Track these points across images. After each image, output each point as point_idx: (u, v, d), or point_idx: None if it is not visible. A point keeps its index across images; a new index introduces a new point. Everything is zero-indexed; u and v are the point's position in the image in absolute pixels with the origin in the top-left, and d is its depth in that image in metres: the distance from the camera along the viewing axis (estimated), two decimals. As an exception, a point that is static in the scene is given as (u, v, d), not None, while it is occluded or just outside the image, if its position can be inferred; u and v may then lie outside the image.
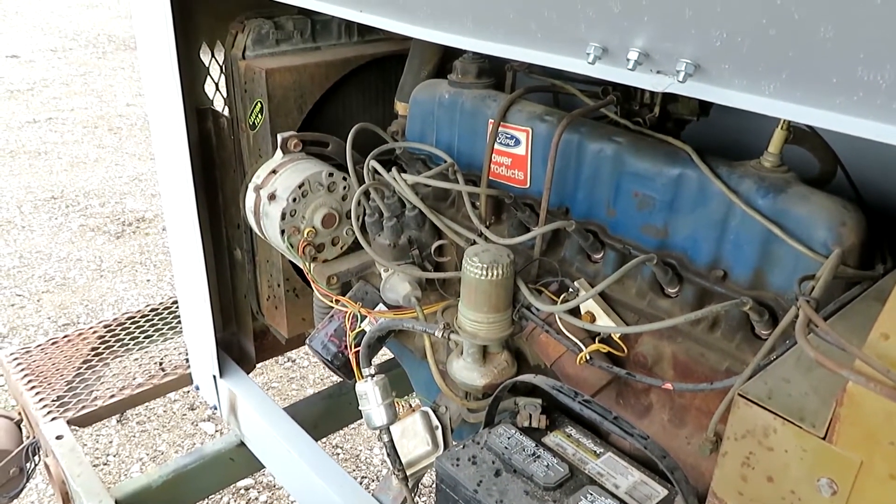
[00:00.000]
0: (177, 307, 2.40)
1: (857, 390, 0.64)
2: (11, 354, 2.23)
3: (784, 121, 1.02)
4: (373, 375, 1.35)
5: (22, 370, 2.16)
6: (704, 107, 1.32)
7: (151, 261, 4.39)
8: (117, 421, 3.14)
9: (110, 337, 2.31)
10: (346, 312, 1.51)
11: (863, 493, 0.65)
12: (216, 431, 3.12)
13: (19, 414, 2.11)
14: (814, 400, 0.71)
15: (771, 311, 1.03)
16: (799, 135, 1.14)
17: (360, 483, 1.74)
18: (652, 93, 1.31)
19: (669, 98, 1.32)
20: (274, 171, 1.58)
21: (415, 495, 1.45)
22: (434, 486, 1.17)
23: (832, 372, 0.64)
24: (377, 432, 1.38)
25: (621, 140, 1.20)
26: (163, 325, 2.38)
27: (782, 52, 0.63)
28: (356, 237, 1.50)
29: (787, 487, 0.71)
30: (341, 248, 1.65)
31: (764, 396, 0.72)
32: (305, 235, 1.56)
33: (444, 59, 1.59)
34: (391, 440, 1.36)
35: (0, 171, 5.52)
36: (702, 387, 1.02)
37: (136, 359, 2.26)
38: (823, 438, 0.67)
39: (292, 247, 1.56)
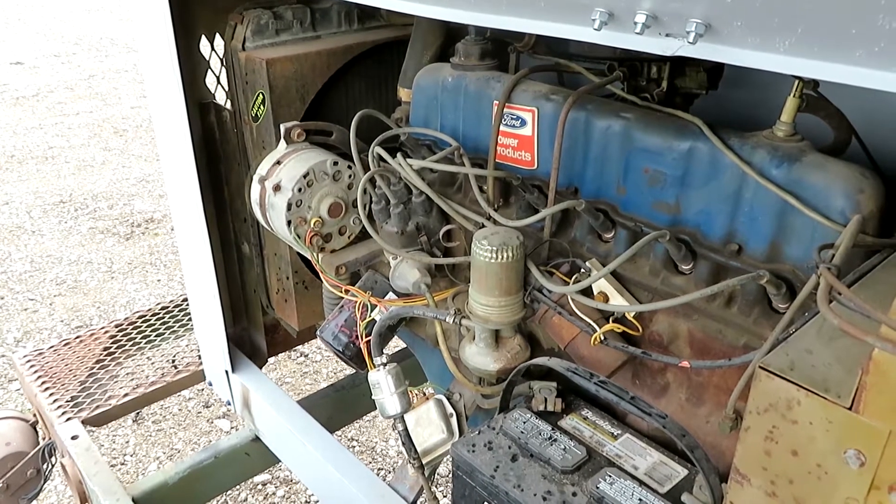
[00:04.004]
0: (187, 305, 2.40)
1: (884, 357, 0.61)
2: (25, 357, 2.23)
3: (797, 88, 0.99)
4: (385, 364, 1.34)
5: (35, 372, 2.16)
6: (713, 80, 1.30)
7: (161, 261, 4.40)
8: (133, 421, 3.15)
9: (122, 337, 2.31)
10: (356, 302, 1.49)
11: (892, 462, 0.63)
12: (232, 428, 3.12)
13: (34, 416, 2.11)
14: (838, 370, 0.69)
15: (788, 284, 1.01)
16: (812, 102, 1.11)
17: (377, 475, 1.73)
18: (659, 67, 1.29)
19: (677, 72, 1.29)
20: (278, 162, 1.57)
21: (431, 484, 1.44)
22: (450, 474, 1.15)
23: (857, 339, 0.62)
24: (391, 422, 1.36)
25: (629, 116, 1.17)
26: (174, 322, 2.38)
27: (797, 3, 0.60)
28: (363, 226, 1.48)
29: (813, 461, 0.69)
30: (349, 238, 1.63)
31: (786, 368, 0.70)
32: (312, 226, 1.55)
33: (447, 43, 1.57)
34: (406, 429, 1.35)
35: (8, 176, 5.54)
36: (720, 363, 1.00)
37: (149, 357, 2.26)
38: (849, 409, 0.65)
39: (299, 238, 1.54)
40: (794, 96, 1.00)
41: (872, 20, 0.56)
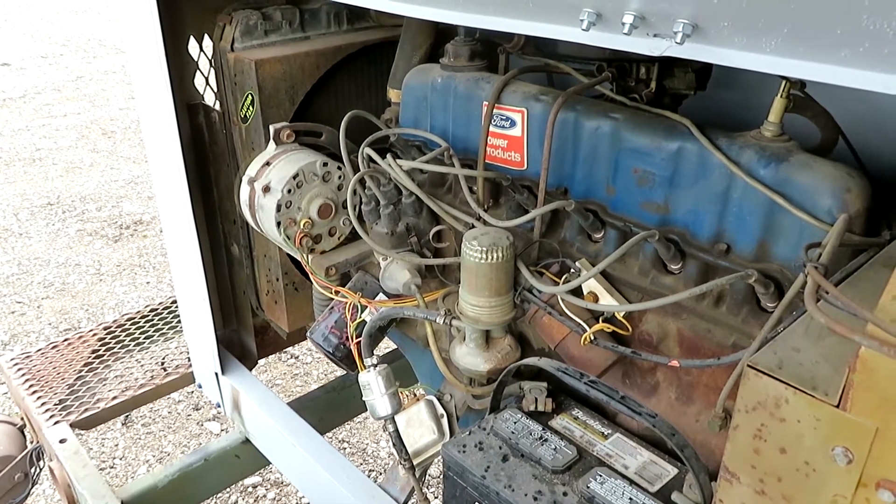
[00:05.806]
0: (176, 306, 2.39)
1: (871, 355, 0.62)
2: (12, 360, 2.21)
3: (784, 88, 1.00)
4: (375, 365, 1.34)
5: (23, 375, 2.14)
6: (701, 80, 1.30)
7: (150, 263, 4.37)
8: (122, 424, 3.13)
9: (110, 339, 2.29)
10: (346, 303, 1.49)
11: (879, 459, 0.64)
12: (222, 431, 3.11)
13: (22, 419, 2.09)
14: (825, 368, 0.70)
15: (776, 283, 1.01)
16: (799, 103, 1.12)
17: (368, 476, 1.73)
18: (648, 67, 1.29)
19: (665, 73, 1.30)
20: (267, 163, 1.56)
21: (422, 485, 1.43)
22: (441, 475, 1.15)
23: (844, 337, 0.62)
24: (382, 423, 1.36)
25: (618, 116, 1.18)
26: (163, 324, 2.36)
27: (783, 4, 0.61)
28: (353, 227, 1.48)
29: (801, 458, 0.69)
30: (339, 239, 1.63)
31: (774, 366, 0.70)
32: (302, 227, 1.55)
33: (436, 44, 1.57)
34: (396, 430, 1.35)
35: (-5, 179, 5.50)
36: (709, 362, 1.01)
37: (138, 360, 2.24)
38: (837, 406, 0.65)
39: (289, 239, 1.54)
40: (781, 97, 1.01)
41: (857, 21, 0.57)
